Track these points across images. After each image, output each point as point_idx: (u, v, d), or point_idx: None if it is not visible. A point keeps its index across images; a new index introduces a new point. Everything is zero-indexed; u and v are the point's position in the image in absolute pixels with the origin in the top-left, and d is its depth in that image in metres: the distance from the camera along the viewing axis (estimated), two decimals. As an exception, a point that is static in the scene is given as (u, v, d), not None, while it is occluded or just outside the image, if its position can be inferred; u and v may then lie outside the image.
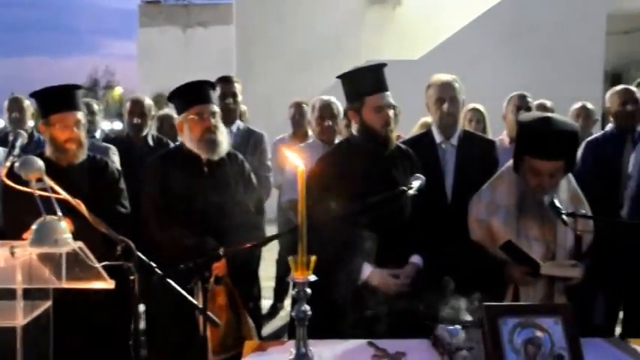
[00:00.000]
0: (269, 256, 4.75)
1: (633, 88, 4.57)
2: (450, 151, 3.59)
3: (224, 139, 3.36)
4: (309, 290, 1.95)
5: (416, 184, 2.58)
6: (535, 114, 3.40)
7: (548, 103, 4.93)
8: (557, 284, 2.88)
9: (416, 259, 3.01)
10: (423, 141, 3.67)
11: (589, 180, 4.21)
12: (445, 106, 3.51)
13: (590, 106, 5.15)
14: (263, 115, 7.64)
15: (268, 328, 5.29)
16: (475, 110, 5.03)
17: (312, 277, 1.93)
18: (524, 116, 3.18)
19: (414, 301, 2.75)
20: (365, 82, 3.01)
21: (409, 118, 5.34)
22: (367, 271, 2.88)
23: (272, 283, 5.83)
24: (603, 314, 3.87)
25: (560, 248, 2.90)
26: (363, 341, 2.52)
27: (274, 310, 5.70)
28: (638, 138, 4.25)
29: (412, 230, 3.02)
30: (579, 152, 4.46)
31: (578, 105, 5.23)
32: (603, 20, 11.20)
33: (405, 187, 2.54)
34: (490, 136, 4.95)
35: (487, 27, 10.81)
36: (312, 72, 9.50)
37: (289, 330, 3.79)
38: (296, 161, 1.92)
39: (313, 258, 1.92)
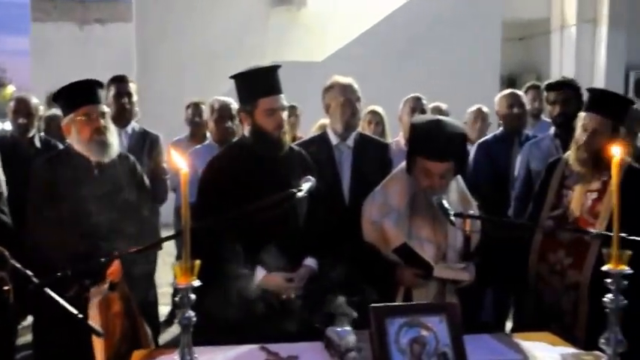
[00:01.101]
0: (167, 260, 4.63)
1: (519, 92, 4.79)
2: (346, 153, 3.63)
3: (114, 141, 3.25)
4: (193, 296, 1.89)
5: (305, 186, 2.58)
6: (426, 116, 3.50)
7: (444, 106, 5.08)
8: (448, 285, 2.96)
9: (310, 261, 3.00)
10: (319, 143, 3.68)
11: (481, 180, 4.38)
12: (352, 107, 3.54)
13: (485, 109, 5.35)
14: (164, 115, 7.44)
15: (167, 335, 5.15)
16: (374, 113, 5.11)
17: (196, 283, 1.88)
18: (417, 118, 3.26)
19: (307, 304, 2.76)
20: (258, 84, 2.97)
21: (313, 119, 5.38)
22: (260, 275, 2.85)
23: (170, 289, 5.68)
24: (492, 311, 4.02)
25: (450, 248, 2.98)
26: (255, 346, 2.49)
27: (172, 316, 5.52)
28: (525, 140, 4.44)
29: (307, 233, 3.01)
30: (472, 154, 4.63)
31: (474, 108, 5.43)
32: (499, 27, 11.68)
33: (294, 190, 2.53)
34: (390, 138, 5.05)
35: (388, 31, 11.03)
36: (215, 72, 9.35)
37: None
38: (179, 163, 1.87)
39: (197, 263, 1.87)
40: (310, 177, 2.67)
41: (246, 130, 3.07)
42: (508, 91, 4.79)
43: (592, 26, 11.83)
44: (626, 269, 2.08)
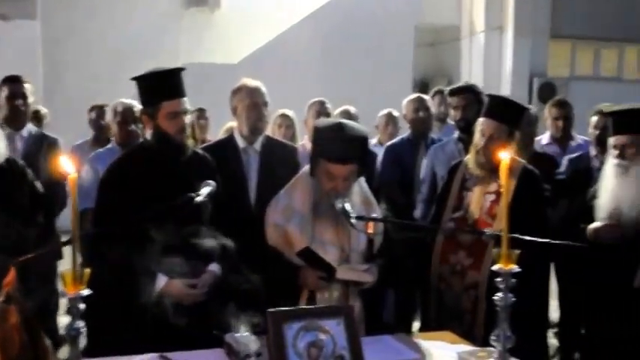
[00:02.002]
0: (70, 268, 4.45)
1: (425, 96, 4.92)
2: (253, 157, 3.61)
3: (2, 145, 3.10)
4: (82, 305, 1.83)
5: (205, 190, 2.55)
6: (329, 119, 3.52)
7: (352, 110, 5.14)
8: (352, 287, 2.99)
9: (214, 267, 2.96)
10: (226, 146, 3.65)
11: (388, 183, 4.46)
12: (259, 111, 3.52)
13: (395, 113, 5.46)
14: (71, 118, 7.18)
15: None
16: (285, 116, 5.10)
17: (86, 292, 1.82)
18: (319, 122, 3.28)
19: (210, 310, 2.72)
20: (161, 87, 2.91)
21: (229, 122, 5.30)
22: (162, 281, 2.78)
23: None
24: (394, 312, 4.10)
25: (353, 251, 3.00)
26: (154, 355, 2.43)
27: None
28: (431, 143, 4.56)
29: (212, 237, 2.97)
30: (380, 156, 4.72)
31: (384, 112, 5.54)
32: (411, 32, 11.96)
33: (192, 195, 2.49)
34: (301, 142, 5.06)
35: (303, 34, 11.10)
36: (127, 74, 9.11)
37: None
38: (67, 168, 1.81)
39: (87, 271, 1.81)
40: (210, 181, 2.64)
41: (148, 134, 3.00)
42: (414, 95, 4.91)
43: (499, 34, 12.30)
44: (515, 268, 2.17)
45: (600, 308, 3.21)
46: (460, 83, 4.67)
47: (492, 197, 3.31)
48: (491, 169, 3.24)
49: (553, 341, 4.91)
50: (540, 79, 12.10)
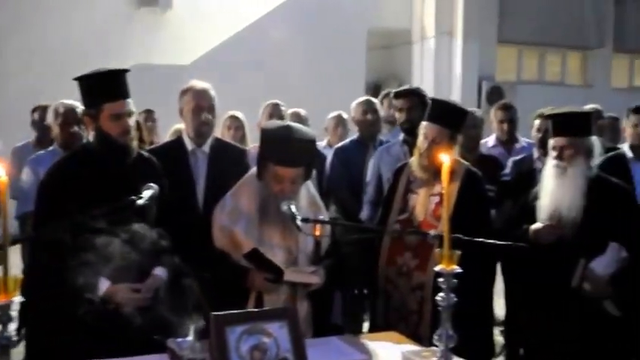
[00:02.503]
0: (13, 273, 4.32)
1: (374, 99, 4.96)
2: (202, 159, 3.57)
3: None
4: (14, 313, 1.78)
5: (147, 193, 2.51)
6: (277, 122, 3.52)
7: (303, 112, 5.16)
8: (299, 289, 2.99)
9: (159, 271, 2.92)
10: (173, 148, 3.61)
11: (337, 185, 4.48)
12: (204, 114, 3.48)
13: (345, 115, 5.49)
14: (17, 120, 6.98)
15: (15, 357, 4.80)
16: (234, 118, 5.08)
17: (18, 299, 1.77)
18: (267, 124, 3.28)
19: (154, 315, 2.67)
20: (103, 88, 2.85)
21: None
22: (104, 286, 2.73)
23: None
24: (342, 313, 4.12)
25: (301, 253, 3.02)
26: (96, 362, 2.38)
27: (18, 334, 5.16)
28: (379, 145, 4.60)
29: (158, 241, 2.93)
30: (329, 158, 4.74)
31: (334, 114, 5.57)
32: (364, 36, 12.05)
33: (133, 198, 2.45)
34: (251, 143, 5.03)
35: (256, 36, 11.06)
36: (72, 75, 8.91)
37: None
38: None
39: (18, 277, 1.76)
40: (152, 184, 2.60)
41: (91, 135, 2.95)
42: (363, 98, 4.95)
43: (449, 38, 12.50)
44: (456, 269, 2.20)
45: (540, 307, 3.28)
46: (405, 86, 4.72)
47: (437, 199, 3.36)
48: (434, 172, 3.28)
49: (499, 339, 5.00)
50: (489, 83, 12.35)
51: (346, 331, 3.51)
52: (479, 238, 2.83)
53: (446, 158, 2.17)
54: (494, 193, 4.47)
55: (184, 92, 3.56)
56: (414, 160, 3.46)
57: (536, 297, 3.29)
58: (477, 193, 3.42)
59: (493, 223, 4.30)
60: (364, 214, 4.22)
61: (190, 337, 2.21)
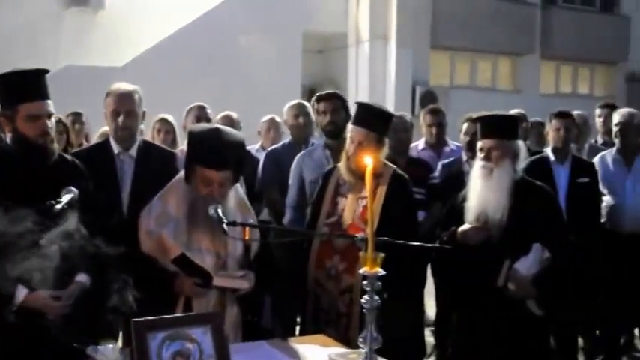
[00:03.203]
0: None
1: (305, 102, 4.96)
2: (128, 163, 3.51)
3: None
4: None
5: (66, 198, 2.44)
6: (205, 125, 3.49)
7: (234, 115, 5.13)
8: (229, 293, 2.97)
9: (82, 277, 2.84)
10: (99, 151, 3.53)
11: (269, 188, 4.47)
12: (120, 119, 3.41)
13: (278, 119, 5.48)
14: None
15: None
16: (164, 121, 4.99)
17: None
18: (195, 127, 3.24)
19: (75, 322, 2.60)
20: (20, 88, 2.76)
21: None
22: (22, 293, 2.63)
23: None
24: (271, 317, 4.12)
25: (230, 257, 2.99)
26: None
27: None
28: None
29: (80, 245, 2.84)
30: (261, 162, 4.72)
31: (267, 117, 5.56)
32: (299, 39, 12.08)
33: (52, 202, 2.38)
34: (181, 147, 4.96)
35: (190, 38, 10.95)
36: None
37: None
38: None
39: None
40: (72, 188, 2.53)
41: (8, 137, 2.84)
42: (295, 101, 4.96)
43: (383, 43, 12.68)
44: (380, 271, 2.22)
45: (468, 307, 3.35)
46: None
47: (364, 202, 3.38)
48: (362, 176, 3.30)
49: (430, 339, 5.09)
50: (422, 88, 12.59)
51: (276, 335, 3.50)
52: (406, 240, 2.86)
53: (369, 161, 2.19)
54: (423, 196, 4.55)
55: (106, 95, 3.51)
56: (341, 164, 3.48)
57: (464, 297, 3.35)
58: (403, 196, 3.46)
59: (422, 225, 4.40)
60: (286, 218, 4.22)
61: (111, 345, 2.15)
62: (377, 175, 3.39)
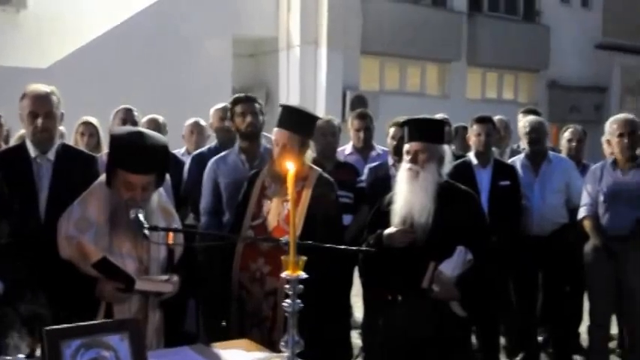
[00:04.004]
0: None
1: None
2: (46, 166, 3.39)
3: None
4: None
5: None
6: (127, 128, 3.42)
7: (161, 119, 5.06)
8: (152, 298, 2.91)
9: (-5, 285, 2.72)
10: (15, 154, 3.41)
11: (195, 191, 4.42)
12: (39, 121, 3.30)
13: (203, 122, 5.43)
14: None
15: None
16: (87, 124, 4.87)
17: None
18: (117, 130, 3.18)
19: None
20: None
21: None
22: None
23: None
24: (195, 322, 4.08)
25: (153, 262, 2.94)
26: None
27: None
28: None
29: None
30: (187, 165, 4.67)
31: (191, 121, 5.51)
32: (229, 43, 12.00)
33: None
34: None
35: (118, 40, 10.71)
36: None
37: None
38: None
39: None
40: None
41: None
42: (221, 104, 4.92)
43: (314, 47, 12.74)
44: (302, 274, 2.22)
45: (395, 309, 3.39)
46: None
47: (289, 205, 3.40)
48: (286, 179, 3.33)
49: (357, 342, 5.14)
50: (352, 93, 12.71)
51: (200, 340, 3.46)
52: (331, 243, 2.88)
53: (291, 166, 2.19)
54: (350, 200, 4.60)
55: (22, 96, 3.39)
56: (266, 167, 3.49)
57: (391, 299, 3.40)
58: (329, 199, 3.49)
59: (349, 228, 4.44)
60: (203, 224, 4.19)
61: (22, 355, 2.08)
62: (302, 178, 3.41)
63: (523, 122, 5.25)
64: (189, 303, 3.70)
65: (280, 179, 3.39)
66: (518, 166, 5.06)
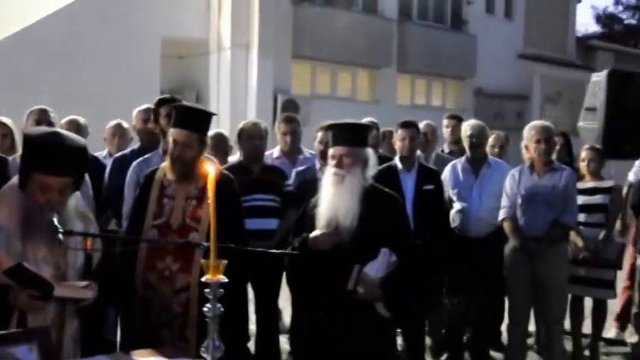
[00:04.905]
0: None
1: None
2: (-48, 169, 3.23)
3: None
4: None
5: None
6: (43, 129, 3.29)
7: (82, 120, 4.91)
8: (69, 306, 2.81)
9: None
10: None
11: (116, 194, 4.31)
12: None
13: (125, 124, 5.34)
14: None
15: None
16: (1, 124, 4.68)
17: None
18: (31, 130, 3.07)
19: None
20: None
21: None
22: None
23: None
24: (115, 329, 3.97)
25: (70, 268, 2.84)
26: None
27: None
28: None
29: None
30: (108, 168, 4.55)
31: (113, 123, 5.46)
32: (158, 44, 11.80)
33: None
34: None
35: (42, 38, 10.38)
36: None
37: None
38: None
39: None
40: None
41: None
42: (144, 106, 4.82)
43: (245, 51, 12.67)
44: (222, 278, 2.19)
45: (321, 312, 3.38)
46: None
47: (194, 202, 3.45)
48: (187, 175, 3.40)
49: (286, 346, 5.11)
50: (284, 96, 12.71)
51: (120, 348, 3.36)
52: (232, 241, 2.85)
53: (211, 169, 2.16)
54: (278, 204, 4.58)
55: None
56: (166, 165, 3.51)
57: (316, 302, 3.39)
58: (230, 195, 3.50)
59: (276, 232, 4.42)
60: (125, 228, 4.09)
61: None
62: (202, 176, 3.38)
63: (464, 126, 5.36)
64: (107, 309, 3.60)
65: (182, 176, 3.42)
66: (459, 169, 5.16)
